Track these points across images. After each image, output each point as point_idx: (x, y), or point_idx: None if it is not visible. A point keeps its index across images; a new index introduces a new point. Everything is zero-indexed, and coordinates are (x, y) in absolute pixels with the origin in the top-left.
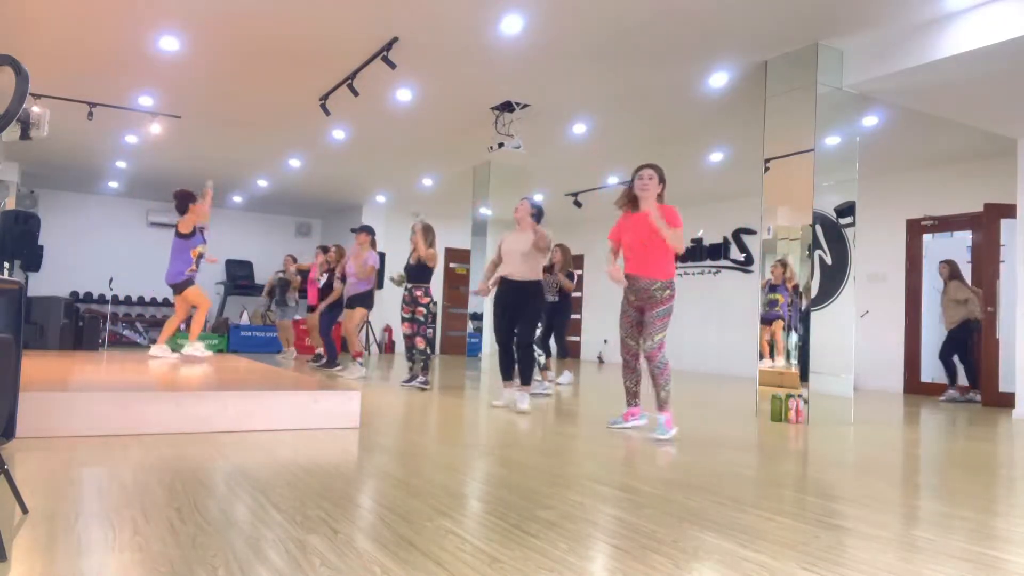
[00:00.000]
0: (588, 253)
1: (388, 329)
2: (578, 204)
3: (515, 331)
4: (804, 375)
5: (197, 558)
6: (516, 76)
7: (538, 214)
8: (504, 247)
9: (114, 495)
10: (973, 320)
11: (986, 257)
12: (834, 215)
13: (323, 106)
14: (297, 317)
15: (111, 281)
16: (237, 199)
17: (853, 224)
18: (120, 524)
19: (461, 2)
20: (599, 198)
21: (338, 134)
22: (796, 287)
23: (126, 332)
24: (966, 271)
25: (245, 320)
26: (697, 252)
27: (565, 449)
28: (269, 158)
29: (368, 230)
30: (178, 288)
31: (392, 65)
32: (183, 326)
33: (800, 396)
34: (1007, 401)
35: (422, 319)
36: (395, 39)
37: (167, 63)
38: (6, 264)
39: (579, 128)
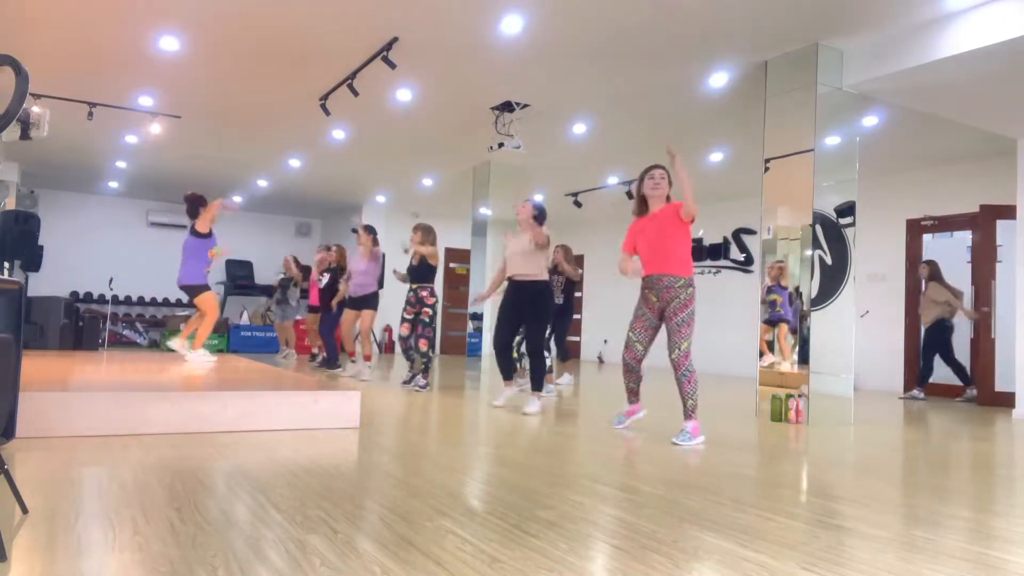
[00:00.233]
0: (588, 253)
1: (388, 329)
2: (578, 204)
3: (518, 335)
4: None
5: (197, 558)
6: (516, 76)
7: (540, 216)
8: (507, 251)
9: (114, 495)
10: (947, 320)
11: (982, 258)
12: (834, 215)
13: (323, 106)
14: (297, 317)
15: (111, 281)
16: (237, 199)
17: (853, 224)
18: (120, 524)
19: (461, 2)
20: (599, 198)
21: (338, 134)
22: (794, 287)
23: (126, 332)
24: (965, 271)
25: (245, 320)
26: (697, 252)
27: (565, 449)
28: (269, 158)
29: (369, 229)
30: (193, 291)
31: (392, 65)
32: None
33: (800, 395)
34: (1003, 400)
35: (427, 320)
36: (395, 39)
37: (167, 63)
38: (6, 264)
39: (579, 128)
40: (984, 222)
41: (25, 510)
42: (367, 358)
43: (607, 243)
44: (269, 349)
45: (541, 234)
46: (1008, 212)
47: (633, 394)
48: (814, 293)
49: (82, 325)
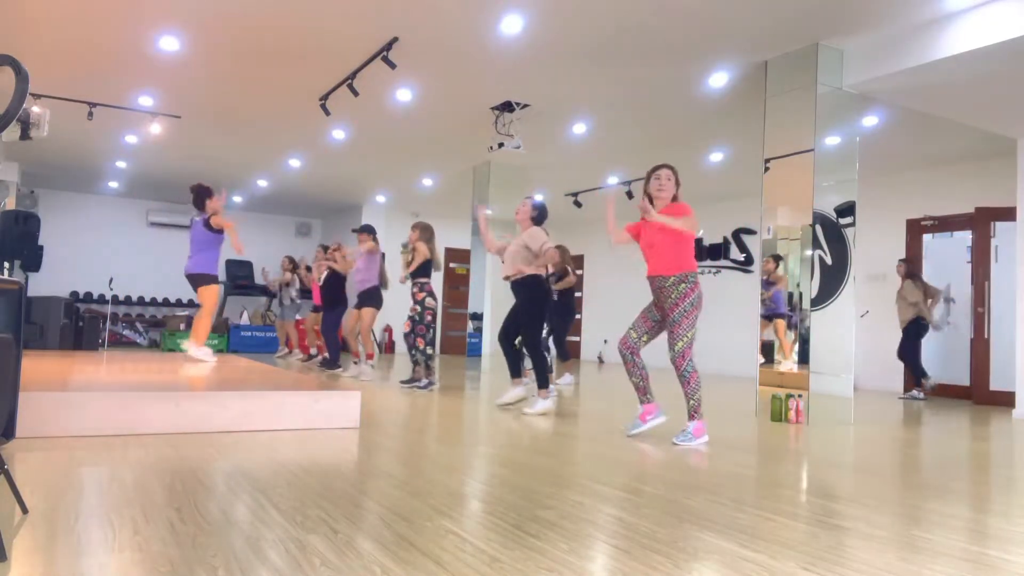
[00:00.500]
0: (588, 253)
1: (388, 329)
2: (578, 204)
3: (514, 330)
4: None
5: (197, 558)
6: (516, 76)
7: (539, 215)
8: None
9: (114, 495)
10: (924, 319)
11: (978, 259)
12: (834, 215)
13: (323, 106)
14: (297, 317)
15: (111, 281)
16: (237, 199)
17: (853, 224)
18: (120, 524)
19: (461, 2)
20: (599, 198)
21: (338, 134)
22: (785, 278)
23: (126, 332)
24: (965, 271)
25: (245, 320)
26: (697, 252)
27: (565, 449)
28: (269, 158)
29: (369, 229)
30: (199, 280)
31: (392, 65)
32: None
33: (800, 396)
34: (999, 399)
35: (417, 318)
36: (395, 39)
37: (167, 63)
38: (6, 264)
39: (579, 128)
40: (979, 224)
41: (25, 510)
42: (370, 356)
43: (607, 243)
44: (269, 349)
45: (535, 238)
46: (1004, 214)
47: (642, 392)
48: (814, 293)
49: (82, 325)
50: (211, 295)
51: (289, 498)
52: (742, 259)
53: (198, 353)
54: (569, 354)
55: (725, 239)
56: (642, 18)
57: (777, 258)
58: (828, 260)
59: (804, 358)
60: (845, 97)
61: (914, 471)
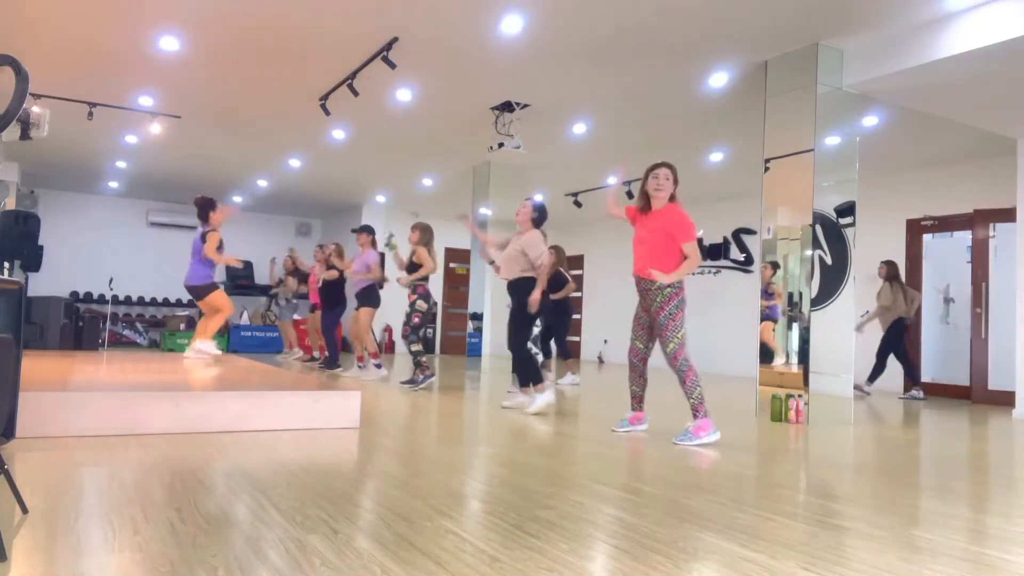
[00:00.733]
0: (588, 253)
1: (388, 329)
2: (578, 204)
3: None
4: (805, 375)
5: (197, 558)
6: (516, 76)
7: (540, 217)
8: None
9: (114, 495)
10: (905, 319)
11: (977, 259)
12: (834, 215)
13: (323, 106)
14: (297, 317)
15: (111, 281)
16: (237, 199)
17: (853, 224)
18: (120, 524)
19: (461, 2)
20: (599, 198)
21: (338, 134)
22: (787, 292)
23: (126, 332)
24: (965, 271)
25: (245, 320)
26: None
27: (565, 449)
28: (269, 158)
29: (368, 230)
30: (199, 291)
31: (392, 65)
32: (182, 325)
33: (800, 396)
34: (997, 399)
35: (404, 318)
36: (395, 39)
37: (167, 63)
38: (6, 264)
39: (579, 128)
40: (978, 225)
41: (25, 510)
42: (374, 355)
43: (607, 243)
44: (269, 349)
45: (534, 247)
46: (1002, 215)
47: (637, 400)
48: (814, 293)
49: (82, 325)
50: (220, 299)
51: (289, 498)
52: (742, 259)
53: (202, 346)
54: (570, 353)
55: (725, 239)
56: (642, 18)
57: (775, 265)
58: (828, 260)
59: (804, 358)
60: (845, 97)
61: (914, 471)
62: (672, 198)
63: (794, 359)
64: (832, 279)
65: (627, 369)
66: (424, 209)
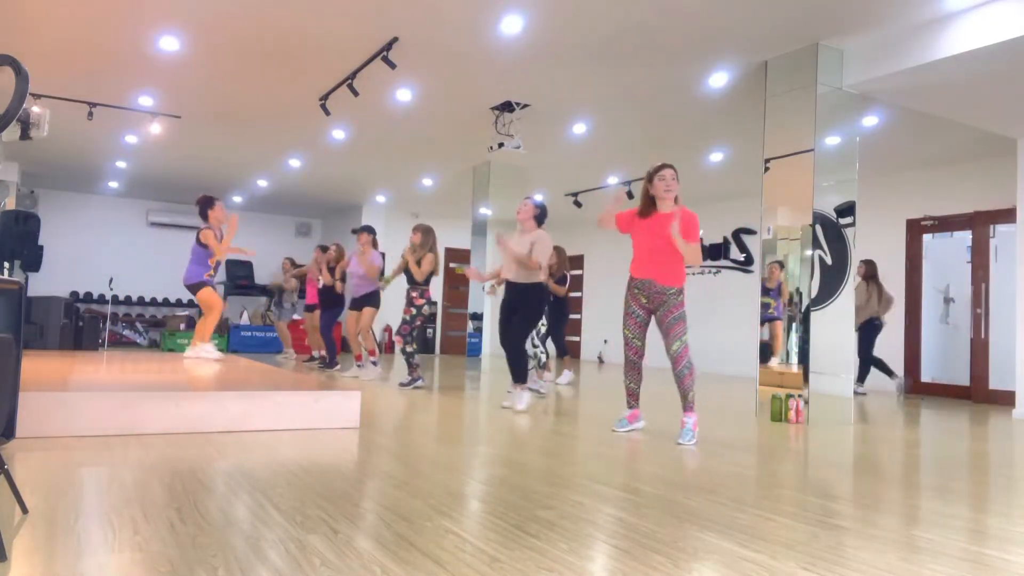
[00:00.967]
0: (588, 253)
1: (388, 329)
2: (578, 204)
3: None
4: (805, 375)
5: (197, 558)
6: (516, 76)
7: (541, 215)
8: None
9: (114, 495)
10: (876, 319)
11: (977, 259)
12: (834, 215)
13: (323, 106)
14: (296, 317)
15: (111, 281)
16: (237, 199)
17: (853, 224)
18: (120, 524)
19: (461, 2)
20: (599, 198)
21: (338, 134)
22: (789, 292)
23: (126, 332)
24: (965, 271)
25: (245, 320)
26: None
27: (565, 449)
28: (269, 158)
29: (369, 230)
30: (192, 289)
31: (392, 65)
32: (182, 325)
33: (800, 396)
34: (997, 398)
35: (407, 318)
36: (395, 39)
37: (167, 63)
38: (6, 264)
39: (579, 128)
40: (978, 227)
41: (25, 510)
42: (372, 353)
43: (607, 243)
44: (269, 349)
45: (535, 262)
46: (1002, 216)
47: (633, 396)
48: (814, 293)
49: (82, 325)
50: (208, 297)
51: (289, 498)
52: (742, 259)
53: (200, 352)
54: (567, 351)
55: (725, 239)
56: (642, 18)
57: (783, 264)
58: (828, 260)
59: (804, 358)
60: (845, 97)
61: (914, 471)
62: (676, 200)
63: (794, 359)
64: (832, 279)
65: (624, 369)
66: (424, 209)
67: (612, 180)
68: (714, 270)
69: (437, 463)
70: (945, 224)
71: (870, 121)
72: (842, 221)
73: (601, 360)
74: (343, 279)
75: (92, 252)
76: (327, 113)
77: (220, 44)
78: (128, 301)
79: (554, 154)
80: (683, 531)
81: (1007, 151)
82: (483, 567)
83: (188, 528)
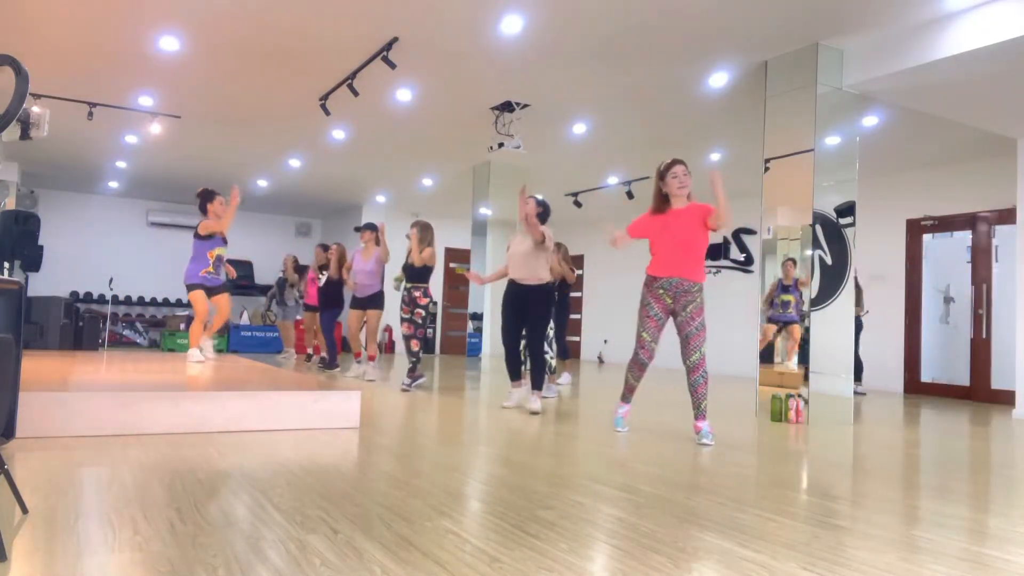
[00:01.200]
0: (588, 253)
1: (388, 329)
2: (578, 204)
3: (523, 334)
4: (805, 375)
5: (197, 558)
6: (516, 76)
7: (544, 213)
8: (510, 251)
9: (114, 495)
10: (859, 318)
11: (977, 259)
12: (834, 215)
13: (323, 106)
14: (297, 317)
15: (111, 281)
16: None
17: (853, 224)
18: (120, 524)
19: (461, 2)
20: (599, 198)
21: (338, 134)
22: (804, 286)
23: (126, 332)
24: (966, 271)
25: (245, 320)
26: None
27: (565, 449)
28: (269, 158)
29: (372, 227)
30: (186, 289)
31: (392, 65)
32: (182, 325)
33: (800, 396)
34: (998, 398)
35: (420, 321)
36: (395, 39)
37: (167, 63)
38: (6, 264)
39: (579, 128)
40: (978, 227)
41: (25, 510)
42: (372, 358)
43: (607, 243)
44: (269, 349)
45: (538, 229)
46: (1002, 216)
47: (631, 392)
48: (814, 293)
49: (82, 325)
50: (195, 301)
51: (289, 498)
52: (742, 259)
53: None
54: (568, 353)
55: (725, 239)
56: (642, 18)
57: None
58: (828, 260)
59: (804, 358)
60: (845, 97)
61: (914, 471)
62: (689, 196)
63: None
64: (832, 279)
65: (630, 367)
66: (424, 209)
67: (612, 180)
68: (714, 270)
69: (437, 463)
70: (945, 224)
71: (870, 121)
72: (842, 221)
73: (601, 360)
74: (342, 281)
75: (92, 252)
76: (327, 113)
77: (220, 44)
78: (128, 301)
79: (554, 154)
80: (683, 531)
81: (1007, 151)
82: (483, 567)
83: (188, 528)
